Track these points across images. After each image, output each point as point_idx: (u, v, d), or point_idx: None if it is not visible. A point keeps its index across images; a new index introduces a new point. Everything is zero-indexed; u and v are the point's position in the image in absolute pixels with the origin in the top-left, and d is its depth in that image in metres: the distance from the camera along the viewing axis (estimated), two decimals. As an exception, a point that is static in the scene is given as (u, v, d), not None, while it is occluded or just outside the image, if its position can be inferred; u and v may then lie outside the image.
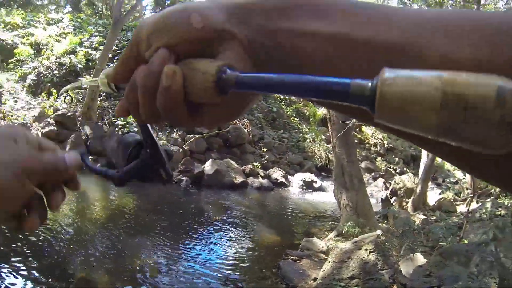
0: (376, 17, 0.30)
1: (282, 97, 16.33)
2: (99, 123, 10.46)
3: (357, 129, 15.10)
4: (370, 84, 0.24)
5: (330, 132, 6.57)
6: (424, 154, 10.04)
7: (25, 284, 3.76)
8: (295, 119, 15.72)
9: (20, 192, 0.40)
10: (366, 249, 4.72)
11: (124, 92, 0.37)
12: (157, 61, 0.33)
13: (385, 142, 17.37)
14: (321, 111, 15.95)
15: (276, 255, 5.28)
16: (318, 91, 0.27)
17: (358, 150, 11.63)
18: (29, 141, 0.43)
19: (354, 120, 5.89)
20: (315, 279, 4.61)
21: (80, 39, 13.75)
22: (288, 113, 15.80)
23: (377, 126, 0.31)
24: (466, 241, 5.17)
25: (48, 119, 10.00)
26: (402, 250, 5.00)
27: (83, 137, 9.63)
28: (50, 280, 3.97)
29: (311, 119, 16.22)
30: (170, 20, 0.34)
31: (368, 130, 17.85)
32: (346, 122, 5.74)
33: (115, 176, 0.47)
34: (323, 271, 4.73)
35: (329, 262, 4.84)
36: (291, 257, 5.19)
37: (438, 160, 15.00)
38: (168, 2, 21.71)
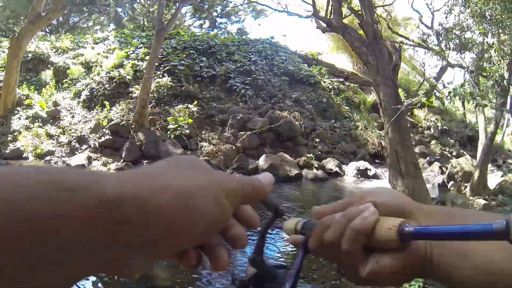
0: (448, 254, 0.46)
1: (331, 86, 16.12)
2: (151, 129, 10.86)
3: (408, 113, 14.49)
4: None
5: (382, 118, 6.37)
6: (482, 134, 9.42)
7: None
8: (346, 107, 15.32)
9: (224, 216, 0.38)
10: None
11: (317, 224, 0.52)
12: (369, 214, 0.47)
13: (439, 124, 16.54)
14: (371, 98, 15.50)
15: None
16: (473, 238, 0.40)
17: (411, 135, 11.17)
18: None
19: (407, 103, 5.70)
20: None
21: (126, 52, 14.42)
22: (338, 102, 15.49)
23: None
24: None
25: (104, 130, 10.61)
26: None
27: (137, 143, 10.07)
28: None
29: (361, 107, 15.83)
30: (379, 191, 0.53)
31: (420, 113, 17.08)
32: (399, 106, 5.52)
33: (238, 281, 0.50)
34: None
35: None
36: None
37: (497, 140, 14.04)
38: (206, 6, 22.16)
